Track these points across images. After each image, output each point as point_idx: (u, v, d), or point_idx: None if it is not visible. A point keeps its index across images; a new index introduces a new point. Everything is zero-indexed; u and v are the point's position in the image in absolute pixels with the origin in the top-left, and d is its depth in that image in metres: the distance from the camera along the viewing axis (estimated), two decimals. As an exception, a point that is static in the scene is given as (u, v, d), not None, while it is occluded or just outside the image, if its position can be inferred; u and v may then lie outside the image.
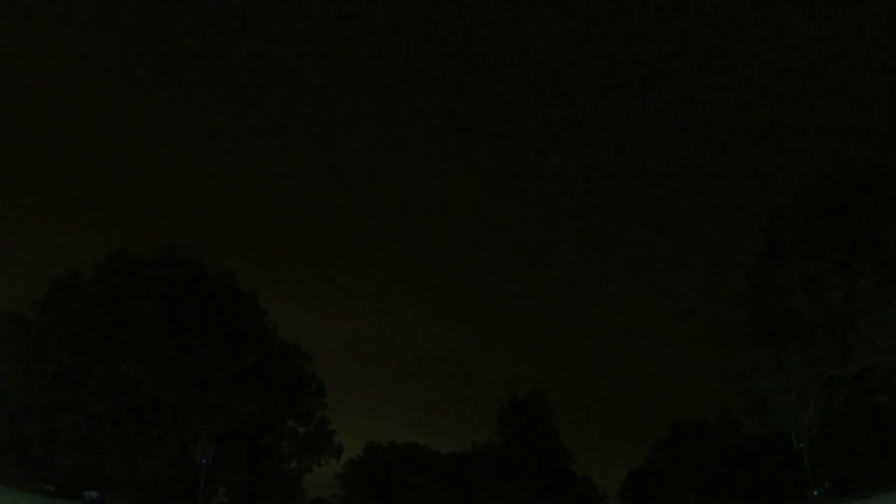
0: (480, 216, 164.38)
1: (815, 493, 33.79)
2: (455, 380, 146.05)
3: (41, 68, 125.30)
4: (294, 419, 54.31)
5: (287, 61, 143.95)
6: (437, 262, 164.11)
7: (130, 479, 42.99)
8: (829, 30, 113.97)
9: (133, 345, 43.91)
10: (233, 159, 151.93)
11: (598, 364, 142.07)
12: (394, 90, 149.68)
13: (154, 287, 45.86)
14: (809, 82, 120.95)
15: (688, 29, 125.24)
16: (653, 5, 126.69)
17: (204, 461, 32.48)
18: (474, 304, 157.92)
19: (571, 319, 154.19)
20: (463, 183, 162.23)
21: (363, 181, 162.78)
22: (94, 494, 40.44)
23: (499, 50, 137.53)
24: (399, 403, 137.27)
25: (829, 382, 33.65)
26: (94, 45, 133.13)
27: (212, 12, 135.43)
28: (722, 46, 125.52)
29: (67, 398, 41.66)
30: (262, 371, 50.58)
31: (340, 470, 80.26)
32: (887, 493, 34.75)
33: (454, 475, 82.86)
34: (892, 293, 30.25)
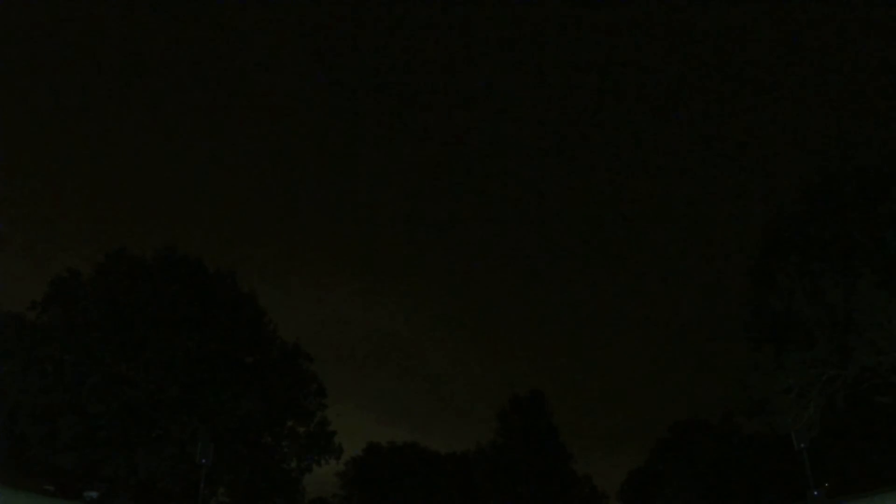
0: (479, 216, 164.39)
1: (815, 493, 33.73)
2: (454, 380, 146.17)
3: (40, 67, 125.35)
4: (294, 419, 54.30)
5: (285, 60, 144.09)
6: (436, 262, 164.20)
7: (130, 479, 42.96)
8: (829, 30, 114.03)
9: (133, 345, 43.90)
10: (232, 159, 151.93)
11: (599, 364, 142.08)
12: (387, 88, 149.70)
13: (154, 287, 45.84)
14: (811, 82, 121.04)
15: (687, 28, 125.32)
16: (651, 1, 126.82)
17: (204, 461, 32.55)
18: (473, 304, 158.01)
19: (571, 319, 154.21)
20: (463, 182, 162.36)
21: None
22: (94, 494, 40.44)
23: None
24: (398, 404, 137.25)
25: (829, 382, 33.65)
26: (94, 44, 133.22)
27: (211, 12, 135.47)
28: (723, 46, 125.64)
29: (67, 398, 41.59)
30: (261, 371, 50.58)
31: (342, 468, 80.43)
32: (887, 493, 34.75)
33: (454, 476, 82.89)
34: (892, 293, 30.26)
